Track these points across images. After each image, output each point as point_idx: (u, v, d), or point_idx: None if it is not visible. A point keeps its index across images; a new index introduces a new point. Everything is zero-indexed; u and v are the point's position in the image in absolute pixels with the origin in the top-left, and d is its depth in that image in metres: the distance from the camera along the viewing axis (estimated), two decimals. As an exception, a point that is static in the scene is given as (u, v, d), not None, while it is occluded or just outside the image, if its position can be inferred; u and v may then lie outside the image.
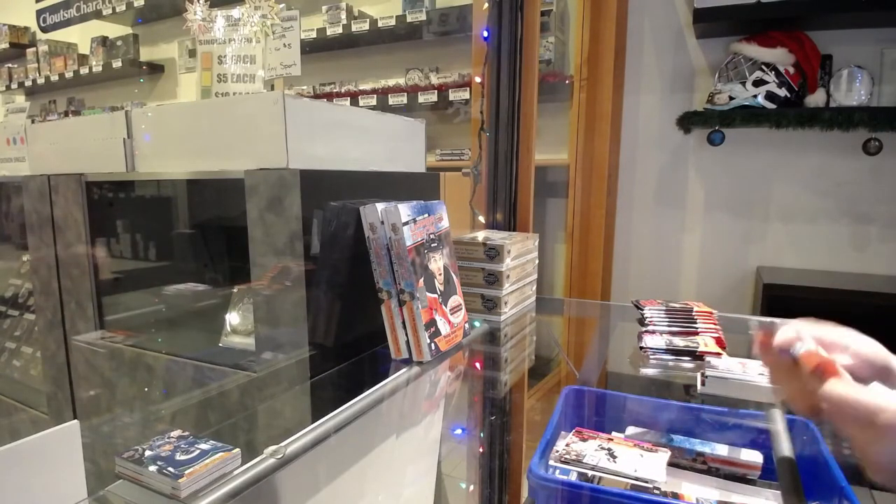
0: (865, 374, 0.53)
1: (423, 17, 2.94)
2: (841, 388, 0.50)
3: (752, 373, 0.89)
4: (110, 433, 1.37)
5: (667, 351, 1.09)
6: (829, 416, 0.51)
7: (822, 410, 0.52)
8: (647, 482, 0.81)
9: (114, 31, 4.44)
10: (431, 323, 0.95)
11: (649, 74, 2.69)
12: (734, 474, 0.91)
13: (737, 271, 2.61)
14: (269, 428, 0.99)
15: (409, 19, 2.97)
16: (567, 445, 0.91)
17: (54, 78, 4.55)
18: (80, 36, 4.55)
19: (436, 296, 0.98)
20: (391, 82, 3.24)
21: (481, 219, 1.67)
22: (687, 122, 2.48)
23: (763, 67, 2.27)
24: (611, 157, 2.56)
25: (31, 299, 1.75)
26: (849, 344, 0.55)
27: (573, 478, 0.89)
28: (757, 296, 2.40)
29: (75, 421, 0.53)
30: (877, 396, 0.48)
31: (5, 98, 5.19)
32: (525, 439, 1.36)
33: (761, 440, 0.93)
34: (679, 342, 1.09)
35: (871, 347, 0.55)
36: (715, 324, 1.17)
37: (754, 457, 0.91)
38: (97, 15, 4.15)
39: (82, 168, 1.35)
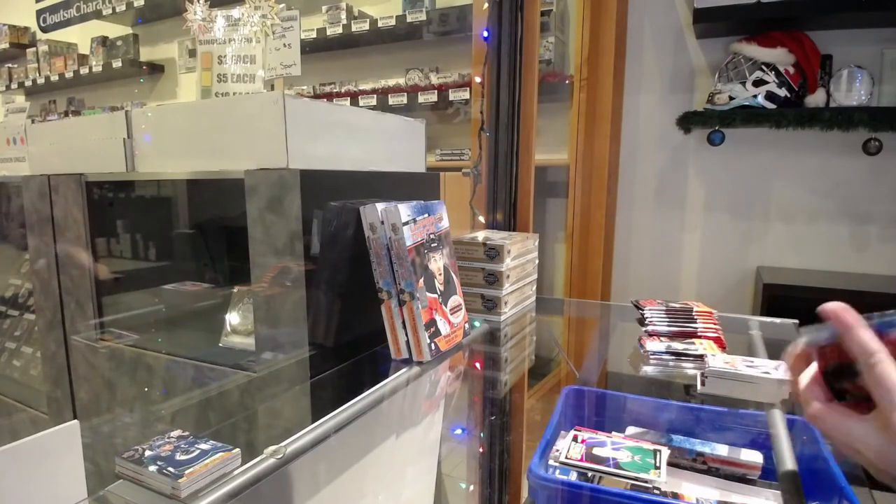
0: None
1: (423, 17, 2.94)
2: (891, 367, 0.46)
3: (752, 372, 0.89)
4: (110, 433, 1.37)
5: (666, 353, 1.09)
6: (836, 416, 0.49)
7: (825, 410, 0.50)
8: (647, 482, 0.81)
9: (114, 31, 4.44)
10: (431, 323, 0.95)
11: (649, 74, 2.69)
12: (734, 474, 0.91)
13: (737, 271, 2.61)
14: (269, 428, 0.99)
15: (409, 19, 2.97)
16: (567, 445, 0.91)
17: (54, 78, 4.55)
18: (80, 36, 4.55)
19: (436, 296, 0.98)
20: (391, 82, 3.24)
21: (481, 219, 1.67)
22: (687, 122, 2.48)
23: (763, 67, 2.27)
24: (611, 157, 2.56)
25: (31, 299, 1.75)
26: None
27: (573, 478, 0.89)
28: (757, 296, 2.40)
29: (75, 421, 0.53)
30: None
31: (5, 98, 5.19)
32: (525, 439, 1.36)
33: (761, 440, 0.93)
34: (678, 346, 1.09)
35: None
36: (715, 324, 1.17)
37: (754, 457, 0.91)
38: (97, 15, 4.15)
39: (82, 168, 1.35)
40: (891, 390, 0.45)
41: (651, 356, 1.08)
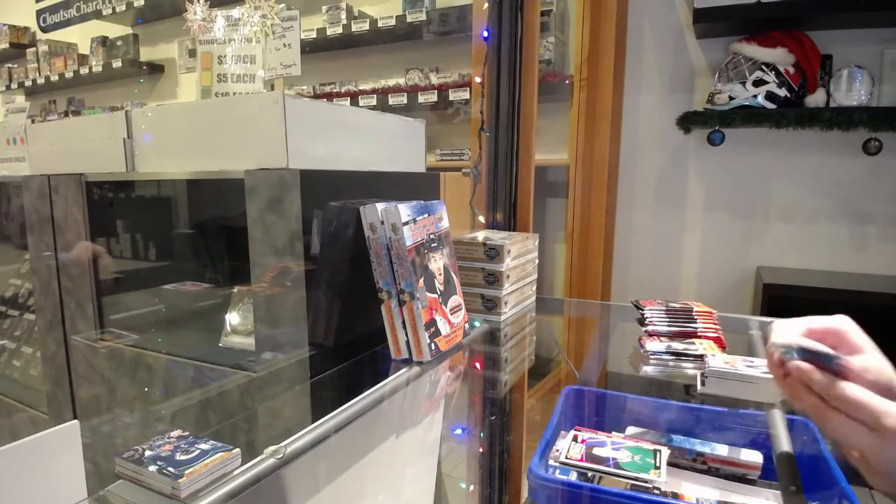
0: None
1: (423, 17, 2.94)
2: (855, 388, 0.50)
3: (752, 372, 0.89)
4: (110, 433, 1.37)
5: (666, 353, 1.09)
6: (831, 419, 0.51)
7: (821, 410, 0.52)
8: (647, 482, 0.81)
9: (114, 31, 4.44)
10: (431, 323, 0.95)
11: (649, 74, 2.69)
12: (734, 474, 0.91)
13: (737, 271, 2.61)
14: (269, 428, 0.99)
15: (409, 19, 2.97)
16: (567, 445, 0.91)
17: (54, 78, 4.55)
18: (80, 36, 4.55)
19: (436, 296, 0.98)
20: (391, 82, 3.24)
21: (481, 219, 1.67)
22: (687, 122, 2.48)
23: (763, 67, 2.27)
24: (611, 157, 2.56)
25: (31, 299, 1.75)
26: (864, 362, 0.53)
27: (573, 478, 0.89)
28: (757, 296, 2.40)
29: (75, 421, 0.53)
30: (883, 401, 0.48)
31: (5, 98, 5.19)
32: (525, 439, 1.36)
33: (761, 440, 0.93)
34: (678, 346, 1.09)
35: (878, 363, 0.54)
36: (715, 324, 1.17)
37: (754, 457, 0.91)
38: (97, 15, 4.15)
39: (82, 168, 1.35)
40: (865, 405, 0.49)
41: (651, 356, 1.08)
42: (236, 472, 0.61)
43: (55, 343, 1.47)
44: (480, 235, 1.36)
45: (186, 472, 0.59)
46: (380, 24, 3.05)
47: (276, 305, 1.05)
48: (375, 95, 3.13)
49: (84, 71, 4.39)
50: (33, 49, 4.71)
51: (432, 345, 0.94)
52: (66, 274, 1.42)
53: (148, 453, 0.63)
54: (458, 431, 1.29)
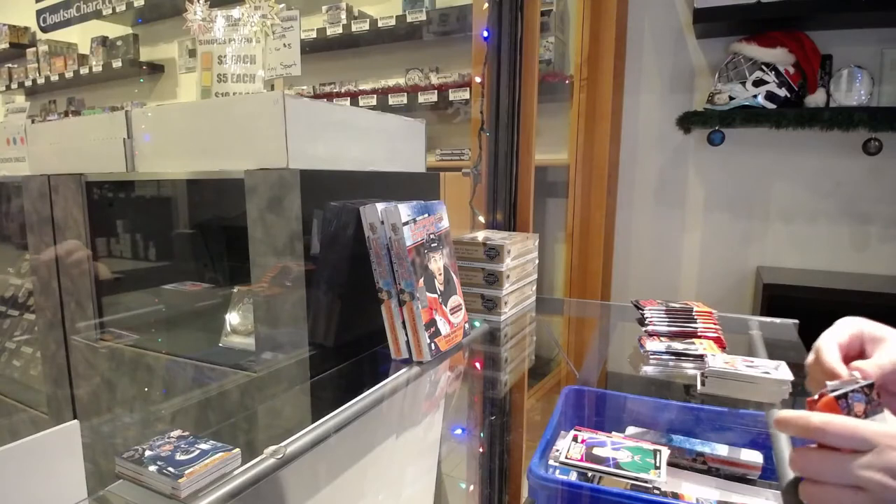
0: None
1: (423, 17, 2.94)
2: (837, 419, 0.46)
3: (752, 372, 0.89)
4: (110, 433, 1.37)
5: (666, 353, 1.09)
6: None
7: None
8: (647, 482, 0.81)
9: (114, 31, 4.44)
10: (431, 323, 0.95)
11: (649, 74, 2.69)
12: (734, 474, 0.92)
13: (737, 271, 2.61)
14: (269, 428, 0.99)
15: (409, 19, 2.97)
16: (567, 445, 0.91)
17: (54, 78, 4.55)
18: (80, 36, 4.55)
19: (436, 296, 0.98)
20: (391, 82, 3.24)
21: (481, 219, 1.67)
22: (687, 122, 2.48)
23: (763, 67, 2.27)
24: (611, 157, 2.56)
25: (31, 299, 1.75)
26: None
27: (573, 478, 0.89)
28: (757, 296, 2.40)
29: (75, 421, 0.53)
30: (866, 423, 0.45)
31: (5, 98, 5.19)
32: (525, 439, 1.36)
33: (761, 440, 0.93)
34: (678, 346, 1.09)
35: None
36: (715, 324, 1.17)
37: (754, 457, 0.91)
38: (97, 15, 4.15)
39: (82, 168, 1.35)
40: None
41: (651, 356, 1.08)
42: (236, 472, 0.61)
43: (55, 343, 1.47)
44: (480, 235, 1.36)
45: (186, 472, 0.59)
46: (380, 24, 3.05)
47: (276, 305, 1.05)
48: (375, 95, 3.13)
49: (84, 71, 4.39)
50: (33, 49, 4.71)
51: (432, 345, 0.94)
52: (66, 274, 1.42)
53: (148, 453, 0.63)
54: (458, 431, 1.29)
